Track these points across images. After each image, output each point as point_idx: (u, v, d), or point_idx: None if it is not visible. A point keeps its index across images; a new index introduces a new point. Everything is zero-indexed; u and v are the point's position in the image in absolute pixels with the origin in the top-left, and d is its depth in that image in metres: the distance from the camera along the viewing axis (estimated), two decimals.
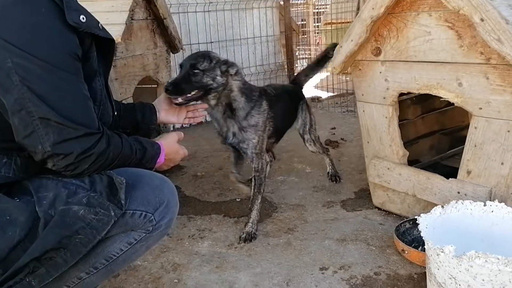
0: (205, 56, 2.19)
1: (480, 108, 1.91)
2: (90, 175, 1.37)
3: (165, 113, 2.04)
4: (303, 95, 2.97)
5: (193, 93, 2.12)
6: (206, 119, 3.44)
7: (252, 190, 2.39)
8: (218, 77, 2.18)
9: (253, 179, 2.39)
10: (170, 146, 1.68)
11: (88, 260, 1.40)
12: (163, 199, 1.47)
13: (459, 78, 1.96)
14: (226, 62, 2.22)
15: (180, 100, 2.07)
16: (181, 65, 2.21)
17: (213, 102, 2.25)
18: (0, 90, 1.22)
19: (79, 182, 1.35)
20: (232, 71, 2.21)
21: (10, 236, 1.25)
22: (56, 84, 1.25)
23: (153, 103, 2.02)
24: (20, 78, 1.20)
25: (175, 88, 2.08)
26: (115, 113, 1.63)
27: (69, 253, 1.31)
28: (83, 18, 1.30)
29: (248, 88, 2.34)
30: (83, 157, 1.30)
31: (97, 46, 1.43)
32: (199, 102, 2.21)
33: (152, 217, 1.44)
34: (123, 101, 2.31)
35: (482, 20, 1.75)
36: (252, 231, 2.33)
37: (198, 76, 2.14)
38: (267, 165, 2.44)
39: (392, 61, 2.21)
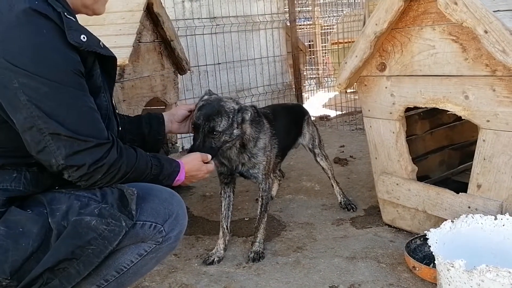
0: (221, 113, 2.04)
1: (488, 121, 1.90)
2: (101, 188, 1.40)
3: (178, 126, 2.06)
4: (306, 110, 2.94)
5: None
6: None
7: (259, 209, 2.37)
8: (235, 131, 2.09)
9: (260, 199, 2.37)
10: (190, 163, 1.72)
11: (100, 272, 1.41)
12: (172, 211, 1.48)
13: (465, 91, 1.94)
14: (240, 110, 2.10)
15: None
16: (197, 125, 2.03)
17: (226, 148, 2.18)
18: (9, 109, 1.27)
19: (91, 195, 1.39)
20: (247, 117, 2.12)
21: (23, 248, 1.28)
22: (62, 100, 1.29)
23: (164, 113, 2.02)
24: (27, 97, 1.24)
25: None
26: (120, 128, 1.64)
27: (82, 264, 1.33)
28: (84, 38, 1.34)
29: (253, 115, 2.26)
30: (95, 167, 1.34)
31: (101, 63, 1.47)
32: None
33: (162, 228, 1.46)
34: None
35: (486, 32, 1.74)
36: (260, 250, 2.30)
37: (216, 138, 2.04)
38: (273, 183, 2.40)
39: (397, 76, 2.21)
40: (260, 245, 2.32)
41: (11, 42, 1.24)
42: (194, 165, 1.74)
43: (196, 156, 1.79)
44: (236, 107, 2.11)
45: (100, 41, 1.44)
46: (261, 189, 2.36)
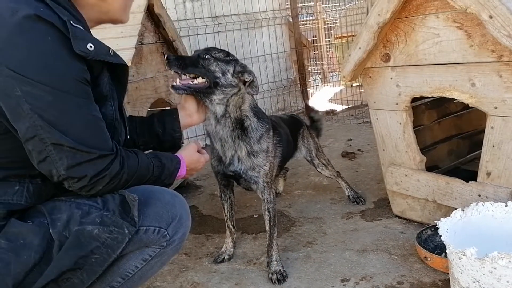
0: (224, 50, 1.99)
1: (496, 107, 1.87)
2: (102, 195, 1.37)
3: (198, 115, 1.94)
4: (302, 122, 2.82)
5: (197, 81, 1.87)
6: (206, 143, 3.29)
7: (268, 224, 2.14)
8: (229, 75, 1.92)
9: (266, 212, 2.13)
10: (190, 156, 1.68)
11: (104, 279, 1.39)
12: (176, 214, 1.45)
13: (472, 78, 1.92)
14: (244, 66, 1.97)
15: (178, 82, 1.84)
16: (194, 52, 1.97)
17: (219, 109, 1.95)
18: (12, 118, 1.23)
19: (92, 202, 1.35)
20: (248, 77, 1.94)
21: (25, 260, 1.25)
22: (66, 109, 1.25)
23: (176, 107, 1.92)
24: (30, 106, 1.20)
25: (177, 61, 1.85)
26: (128, 137, 1.60)
27: (85, 273, 1.31)
28: (91, 47, 1.28)
29: (259, 110, 2.12)
30: (97, 179, 1.30)
31: (110, 70, 1.42)
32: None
33: (166, 232, 1.43)
34: None
35: (490, 17, 1.72)
36: (279, 269, 2.06)
37: (207, 61, 1.89)
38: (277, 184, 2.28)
39: (402, 66, 2.19)
40: (278, 264, 2.08)
41: (14, 49, 1.20)
42: (192, 157, 1.69)
43: (193, 147, 1.73)
44: (242, 63, 2.00)
45: (110, 48, 1.39)
46: (265, 201, 2.11)
